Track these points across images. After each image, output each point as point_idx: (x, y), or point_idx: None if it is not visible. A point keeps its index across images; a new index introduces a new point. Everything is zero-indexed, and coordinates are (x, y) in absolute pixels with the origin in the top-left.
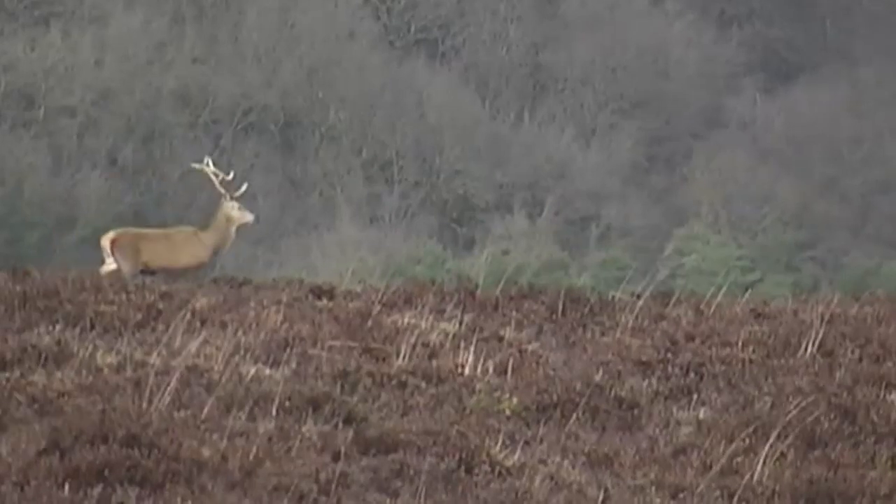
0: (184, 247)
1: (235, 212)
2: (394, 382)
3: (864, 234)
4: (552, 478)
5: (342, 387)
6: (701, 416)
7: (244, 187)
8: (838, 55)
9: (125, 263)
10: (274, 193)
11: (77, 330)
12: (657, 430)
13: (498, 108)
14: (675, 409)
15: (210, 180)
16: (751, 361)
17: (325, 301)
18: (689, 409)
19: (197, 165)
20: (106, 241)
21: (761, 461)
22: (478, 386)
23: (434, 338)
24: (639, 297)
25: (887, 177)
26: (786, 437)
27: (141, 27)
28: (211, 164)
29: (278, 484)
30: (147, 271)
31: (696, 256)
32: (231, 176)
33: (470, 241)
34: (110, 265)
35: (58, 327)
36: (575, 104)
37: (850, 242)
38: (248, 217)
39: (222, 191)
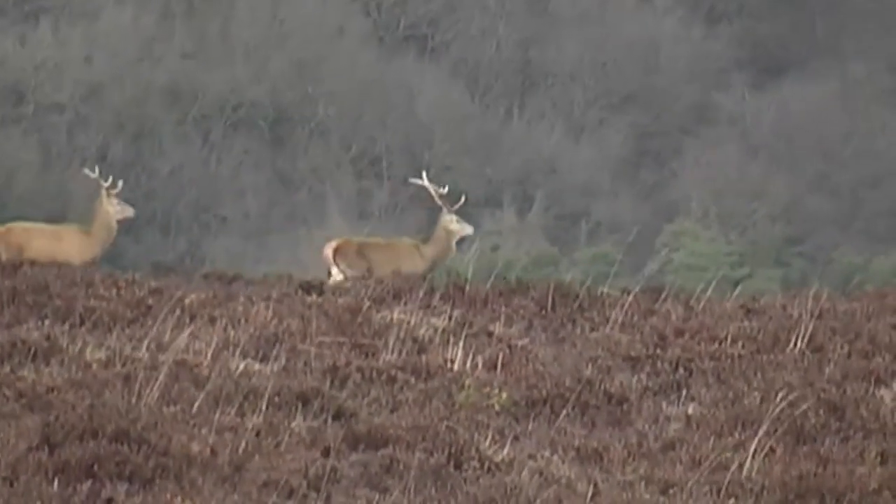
0: (405, 258)
1: (454, 224)
2: (383, 378)
3: (854, 229)
4: (541, 473)
5: (331, 382)
6: (690, 411)
7: (462, 200)
8: (828, 50)
9: (350, 270)
10: (263, 189)
11: (66, 325)
12: (646, 426)
13: (487, 103)
14: (664, 405)
15: (429, 194)
16: (740, 357)
17: (314, 297)
18: (678, 404)
19: (414, 180)
20: (328, 250)
21: (750, 456)
22: (467, 381)
23: (423, 333)
24: (628, 292)
25: (877, 172)
26: (775, 432)
27: (130, 23)
28: (426, 177)
29: (267, 479)
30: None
31: (685, 252)
32: (446, 189)
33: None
34: (336, 275)
35: (47, 322)
36: (564, 100)
37: (840, 238)
38: (468, 229)
39: (440, 204)
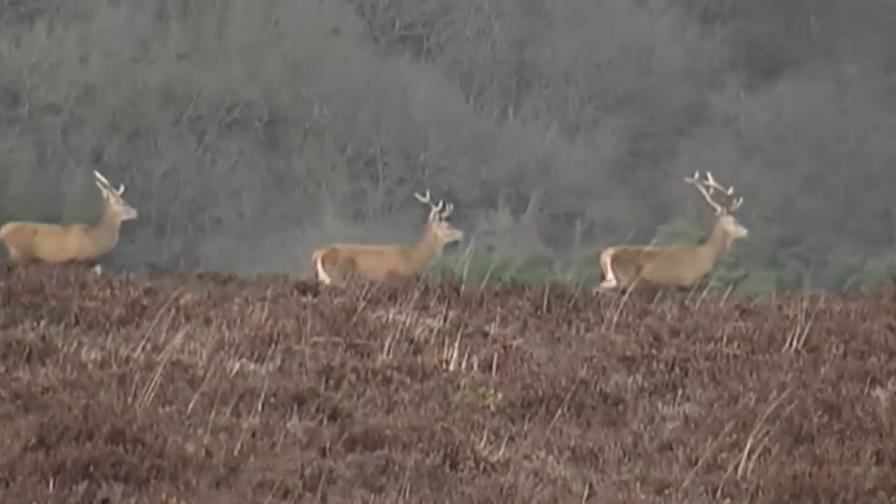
0: (686, 262)
1: (731, 226)
2: (378, 378)
3: (848, 230)
4: (537, 473)
5: (327, 383)
6: (686, 411)
7: (740, 201)
8: (822, 51)
9: (622, 279)
10: (258, 190)
11: (62, 326)
12: (642, 426)
13: (482, 104)
14: (659, 405)
15: (702, 195)
16: (735, 357)
17: (309, 297)
18: (673, 404)
19: (690, 180)
20: (606, 257)
21: (746, 456)
22: (462, 382)
23: (419, 334)
24: (623, 292)
25: (871, 173)
26: (770, 432)
27: (125, 24)
28: (709, 177)
29: (263, 480)
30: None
31: None
32: (731, 190)
33: None
34: (610, 281)
35: (42, 323)
36: (559, 100)
37: (834, 238)
38: (742, 231)
39: (716, 206)
